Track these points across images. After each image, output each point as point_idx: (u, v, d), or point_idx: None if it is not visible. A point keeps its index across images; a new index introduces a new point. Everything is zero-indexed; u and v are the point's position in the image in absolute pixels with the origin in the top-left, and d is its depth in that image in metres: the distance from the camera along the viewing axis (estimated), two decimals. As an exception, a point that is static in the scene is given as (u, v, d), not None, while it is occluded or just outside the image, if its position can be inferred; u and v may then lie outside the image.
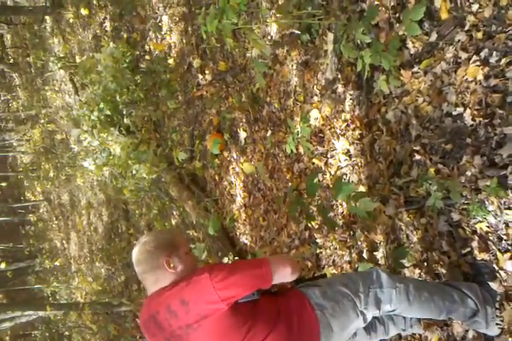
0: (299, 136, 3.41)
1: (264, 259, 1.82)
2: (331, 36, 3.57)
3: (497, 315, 2.12)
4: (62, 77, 12.50)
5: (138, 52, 7.89)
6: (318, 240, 3.65)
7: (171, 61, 6.83)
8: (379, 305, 2.03)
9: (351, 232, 3.32)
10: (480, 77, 2.33)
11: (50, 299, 13.47)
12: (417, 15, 2.20)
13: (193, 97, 6.34)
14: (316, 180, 2.39)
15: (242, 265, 1.83)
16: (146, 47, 7.80)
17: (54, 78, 12.98)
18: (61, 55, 10.63)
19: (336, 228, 3.31)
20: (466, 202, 2.31)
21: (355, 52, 2.74)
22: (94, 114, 7.19)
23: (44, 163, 12.96)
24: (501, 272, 2.14)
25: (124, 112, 7.35)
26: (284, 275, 1.81)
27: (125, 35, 8.48)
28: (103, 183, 10.48)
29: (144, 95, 7.02)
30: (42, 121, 13.37)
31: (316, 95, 3.91)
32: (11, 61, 16.35)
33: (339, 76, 3.58)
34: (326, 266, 3.61)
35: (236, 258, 5.21)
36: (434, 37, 2.72)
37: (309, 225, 3.50)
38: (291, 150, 3.48)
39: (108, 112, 7.16)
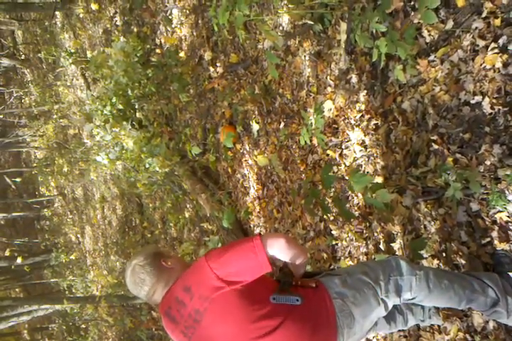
0: (313, 127, 3.38)
1: (256, 235, 1.79)
2: (344, 26, 3.53)
3: (519, 306, 2.10)
4: (73, 72, 12.55)
5: (148, 46, 7.88)
6: (333, 232, 3.64)
7: (181, 54, 6.81)
8: (399, 293, 2.01)
9: (367, 223, 3.30)
10: (498, 64, 2.29)
11: (67, 292, 13.58)
12: (433, 3, 2.16)
13: (205, 90, 6.32)
14: (331, 172, 2.36)
15: (234, 243, 1.82)
16: (157, 40, 7.80)
17: (65, 73, 13.03)
18: (72, 51, 10.65)
19: (352, 219, 3.29)
20: (485, 191, 2.28)
21: (370, 41, 2.70)
22: (106, 109, 7.22)
23: (57, 158, 13.04)
24: (522, 262, 2.12)
25: (136, 106, 7.37)
26: (278, 246, 1.74)
27: (135, 29, 8.48)
28: (116, 177, 10.53)
29: (156, 89, 7.03)
30: (55, 116, 13.43)
31: (330, 86, 3.88)
32: (23, 57, 16.43)
33: (353, 66, 3.54)
34: (342, 258, 3.60)
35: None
36: (450, 25, 2.67)
37: (325, 217, 3.48)
38: (305, 142, 3.46)
39: (120, 106, 7.19)
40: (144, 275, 1.86)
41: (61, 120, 13.22)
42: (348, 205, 3.45)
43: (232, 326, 1.74)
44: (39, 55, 14.07)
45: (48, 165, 14.54)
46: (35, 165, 16.80)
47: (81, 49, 11.62)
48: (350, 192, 3.40)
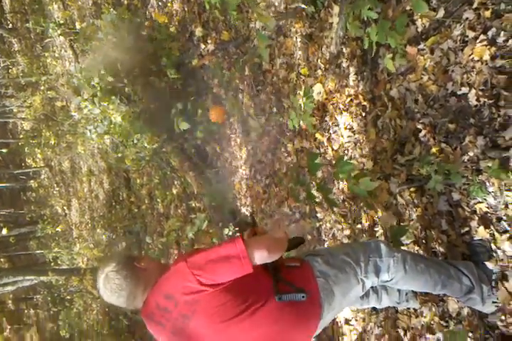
0: (302, 110, 3.40)
1: (237, 239, 1.78)
2: (336, 9, 3.52)
3: (493, 293, 2.18)
4: (62, 43, 12.33)
5: (139, 19, 7.75)
6: (318, 214, 3.70)
7: (172, 29, 6.73)
8: (378, 274, 2.10)
9: (352, 207, 3.36)
10: (486, 57, 2.31)
11: (52, 264, 13.62)
12: (425, -8, 2.16)
13: (195, 67, 6.27)
14: (317, 160, 2.39)
15: (217, 249, 1.80)
16: (147, 14, 7.69)
17: (54, 44, 12.80)
18: (61, 22, 10.45)
19: (335, 209, 3.35)
20: (466, 182, 2.33)
21: (360, 30, 2.71)
22: (94, 83, 7.13)
23: (45, 131, 12.91)
24: (498, 252, 2.18)
25: (125, 81, 7.29)
26: (259, 258, 1.77)
27: (126, 2, 8.33)
28: (104, 151, 10.49)
29: (145, 63, 6.94)
30: (42, 87, 13.24)
31: (320, 69, 3.88)
32: (10, 26, 16.07)
33: (344, 50, 3.54)
34: (326, 240, 3.67)
35: (236, 229, 5.27)
36: (441, 13, 2.68)
37: (311, 203, 3.54)
38: (294, 126, 3.48)
39: (109, 80, 7.10)
40: (120, 280, 1.81)
41: (49, 92, 13.04)
42: (334, 188, 3.50)
43: (221, 321, 1.76)
44: (27, 24, 13.78)
45: (34, 137, 14.40)
46: (21, 136, 16.62)
47: (70, 20, 11.40)
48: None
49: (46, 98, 13.79)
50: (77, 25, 10.57)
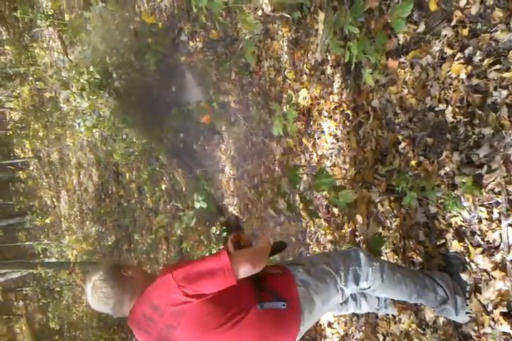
0: (285, 119, 3.46)
1: (223, 252, 1.84)
2: (322, 16, 3.56)
3: (467, 304, 2.27)
4: (50, 33, 12.24)
5: (127, 14, 7.72)
6: (303, 219, 3.77)
7: (160, 26, 6.72)
8: (357, 282, 2.17)
9: (335, 213, 3.44)
10: (463, 75, 2.37)
11: (41, 256, 13.65)
12: (404, 12, 2.22)
13: (183, 64, 6.29)
14: (298, 172, 2.46)
15: (201, 260, 1.87)
16: (136, 8, 7.65)
17: (42, 35, 12.70)
18: (50, 13, 10.36)
19: (317, 219, 3.43)
20: (443, 196, 2.40)
21: (341, 49, 2.77)
22: (83, 77, 7.11)
23: (33, 122, 12.85)
24: (472, 264, 2.27)
25: (114, 75, 7.28)
26: (244, 272, 1.83)
27: (114, -6, 8.26)
28: (93, 145, 10.48)
29: (134, 58, 6.94)
30: (30, 78, 13.15)
31: (306, 74, 3.93)
32: (-3, 14, 15.85)
33: (329, 57, 3.59)
34: (310, 243, 3.75)
35: (224, 227, 5.35)
36: (422, 28, 2.74)
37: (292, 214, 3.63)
38: (278, 132, 3.54)
39: (97, 76, 7.09)
40: (107, 288, 1.86)
41: (37, 82, 12.95)
42: (316, 195, 3.58)
43: (204, 331, 1.82)
44: (15, 13, 13.62)
45: (23, 128, 14.32)
46: (10, 127, 16.51)
47: (59, 11, 11.28)
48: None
49: (34, 89, 13.70)
50: (66, 17, 10.49)
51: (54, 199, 15.05)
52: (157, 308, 1.80)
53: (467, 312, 2.28)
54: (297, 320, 1.99)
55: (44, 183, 16.04)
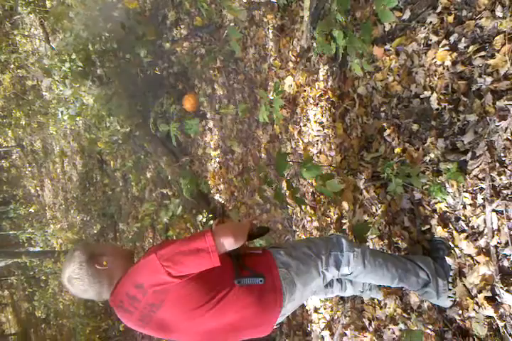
0: (272, 106, 3.45)
1: (207, 232, 1.86)
2: (307, 2, 3.54)
3: (449, 289, 2.30)
4: (32, 20, 12.03)
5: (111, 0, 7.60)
6: (289, 206, 3.79)
7: (146, 12, 6.65)
8: (338, 267, 2.21)
9: (321, 200, 3.46)
10: (448, 62, 2.39)
11: (26, 245, 13.57)
12: (390, 2, 2.21)
13: (168, 51, 6.23)
14: (285, 160, 2.46)
15: (186, 240, 1.88)
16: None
17: (24, 22, 12.48)
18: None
19: (304, 206, 3.45)
20: (427, 182, 2.43)
21: (329, 47, 2.77)
22: (65, 65, 7.01)
23: (15, 111, 12.68)
24: (456, 250, 2.30)
25: (98, 62, 7.19)
26: (228, 245, 1.86)
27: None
28: (76, 133, 10.38)
29: (117, 45, 6.86)
30: (12, 66, 12.93)
31: (291, 61, 3.93)
32: (-25, 0, 15.53)
33: (314, 45, 3.58)
34: (297, 230, 3.77)
35: (210, 215, 5.35)
36: (407, 15, 2.75)
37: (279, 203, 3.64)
38: (264, 119, 3.54)
39: (80, 63, 6.99)
40: (85, 286, 1.87)
41: (18, 70, 12.76)
42: (303, 182, 3.59)
43: (188, 310, 1.86)
44: (-6, -1, 13.36)
45: (5, 117, 14.13)
46: (-9, 115, 16.28)
47: (40, -4, 11.07)
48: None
49: (16, 76, 13.50)
50: (48, 4, 10.30)
51: (38, 188, 14.93)
52: (141, 287, 1.82)
53: (449, 296, 2.32)
54: (278, 301, 2.01)
55: (27, 172, 15.88)
